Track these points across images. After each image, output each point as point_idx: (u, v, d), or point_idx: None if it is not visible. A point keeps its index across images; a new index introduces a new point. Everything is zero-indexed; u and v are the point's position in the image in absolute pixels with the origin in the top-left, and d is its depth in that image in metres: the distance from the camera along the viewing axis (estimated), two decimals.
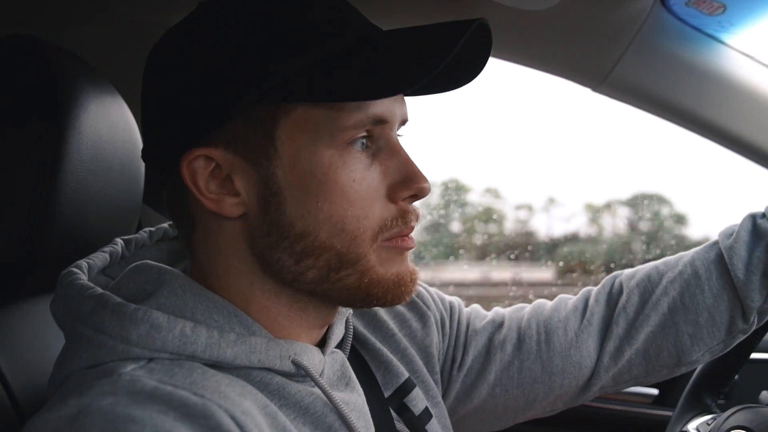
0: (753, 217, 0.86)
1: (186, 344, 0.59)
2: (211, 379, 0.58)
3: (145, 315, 0.59)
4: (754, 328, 0.87)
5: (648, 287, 0.89)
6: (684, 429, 1.00)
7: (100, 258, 0.70)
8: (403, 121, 0.68)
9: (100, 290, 0.62)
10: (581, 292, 0.94)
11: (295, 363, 0.64)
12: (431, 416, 0.81)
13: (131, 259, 0.71)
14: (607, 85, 1.16)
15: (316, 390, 0.66)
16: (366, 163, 0.63)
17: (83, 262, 0.68)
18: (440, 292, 0.95)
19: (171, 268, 0.65)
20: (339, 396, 0.66)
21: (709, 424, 0.96)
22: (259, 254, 0.64)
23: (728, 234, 0.88)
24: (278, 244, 0.63)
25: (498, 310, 0.95)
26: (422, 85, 0.64)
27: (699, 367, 1.03)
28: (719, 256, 0.87)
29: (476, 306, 0.97)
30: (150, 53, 0.67)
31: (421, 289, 0.92)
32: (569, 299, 0.94)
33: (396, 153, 0.65)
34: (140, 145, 0.86)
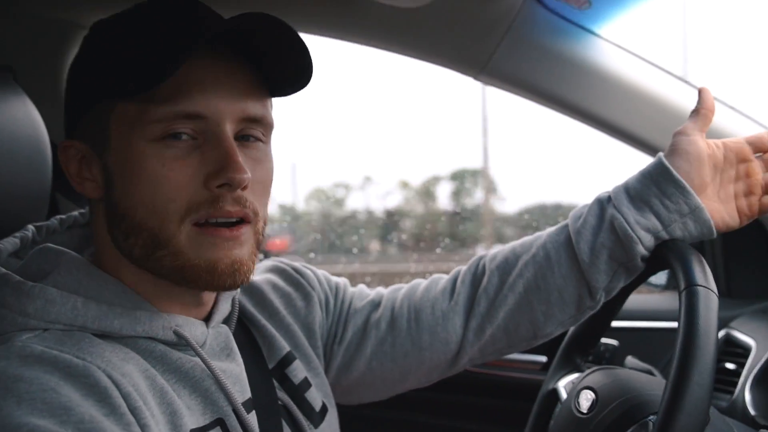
0: (600, 201, 0.92)
1: (77, 316, 0.69)
2: (97, 347, 0.67)
3: (41, 291, 0.69)
4: (601, 304, 0.94)
5: (506, 269, 0.97)
6: (556, 386, 1.08)
7: (11, 242, 0.79)
8: (249, 119, 0.73)
9: (3, 270, 0.71)
10: (452, 272, 1.03)
11: (176, 333, 0.73)
12: (310, 385, 0.90)
13: (42, 244, 0.78)
14: (486, 74, 1.24)
15: (196, 358, 0.75)
16: (182, 152, 0.70)
17: None
18: (328, 275, 1.04)
19: (68, 251, 0.75)
20: (218, 365, 0.76)
21: (573, 383, 1.05)
22: (110, 232, 0.74)
23: (577, 217, 0.94)
24: (114, 223, 0.74)
25: (379, 290, 1.05)
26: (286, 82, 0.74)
27: (570, 331, 1.11)
28: (568, 239, 0.94)
29: (362, 286, 1.07)
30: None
31: (308, 271, 1.01)
32: (441, 279, 1.03)
33: (218, 146, 0.70)
34: (46, 138, 0.93)
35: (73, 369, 0.62)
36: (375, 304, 1.02)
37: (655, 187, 0.88)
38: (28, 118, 0.90)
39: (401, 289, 1.03)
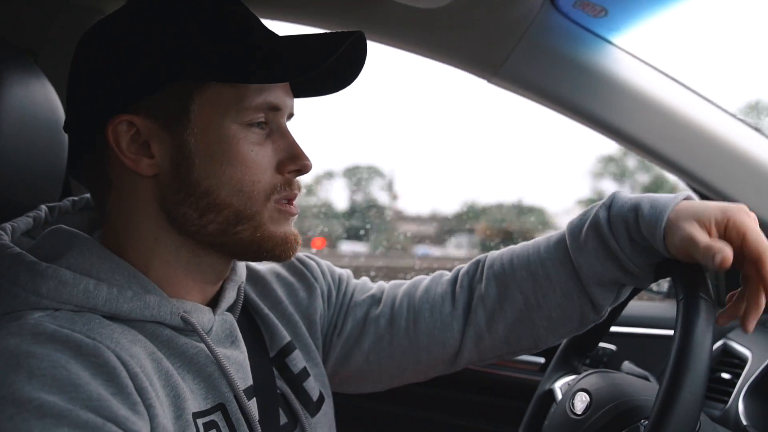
0: (598, 228, 0.87)
1: (88, 298, 0.71)
2: (107, 328, 0.69)
3: (54, 272, 0.70)
4: (605, 318, 0.93)
5: (503, 281, 0.96)
6: (551, 387, 1.10)
7: (24, 222, 0.80)
8: (291, 114, 0.83)
9: (18, 250, 0.73)
10: (453, 272, 1.03)
11: (183, 319, 0.76)
12: (309, 375, 0.92)
13: (54, 224, 0.80)
14: (500, 77, 1.26)
15: (202, 344, 0.77)
16: (261, 139, 0.77)
17: (8, 225, 0.78)
18: (331, 266, 1.06)
19: (82, 233, 0.76)
20: (222, 351, 0.78)
21: (569, 384, 1.06)
22: (168, 209, 0.76)
23: (575, 235, 0.90)
24: (185, 200, 0.75)
25: (381, 285, 1.06)
26: (310, 86, 0.84)
27: None
28: (568, 259, 0.91)
29: (365, 278, 1.08)
30: (87, 32, 0.79)
31: (312, 262, 1.03)
32: (442, 278, 1.03)
33: (285, 136, 0.80)
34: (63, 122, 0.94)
35: (83, 348, 0.64)
36: (376, 299, 1.03)
37: (651, 238, 0.83)
38: (47, 101, 0.92)
39: (402, 285, 1.04)
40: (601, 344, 1.51)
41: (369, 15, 1.18)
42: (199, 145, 0.74)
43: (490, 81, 1.28)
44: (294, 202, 0.81)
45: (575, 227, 0.91)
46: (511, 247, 1.00)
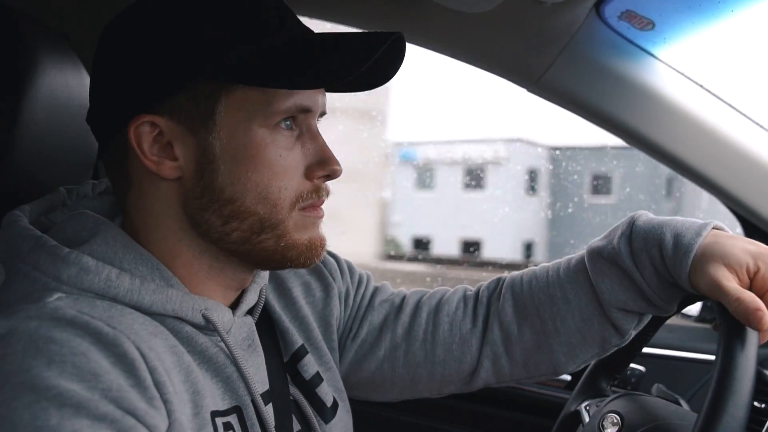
0: (619, 257, 0.84)
1: (110, 287, 0.68)
2: (128, 317, 0.67)
3: (76, 258, 0.68)
4: (629, 342, 0.90)
5: (521, 301, 0.94)
6: (578, 408, 1.07)
7: (42, 204, 0.78)
8: (323, 113, 0.79)
9: (39, 232, 0.70)
10: (475, 288, 1.01)
11: (204, 317, 0.73)
12: (322, 380, 0.90)
13: (73, 208, 0.79)
14: (540, 86, 1.23)
15: (221, 344, 0.75)
16: (290, 143, 0.73)
17: (26, 206, 0.76)
18: (352, 264, 1.03)
19: (107, 220, 0.74)
20: (240, 354, 0.75)
21: (597, 406, 1.04)
22: (191, 214, 0.73)
23: (595, 260, 0.88)
24: (209, 206, 0.72)
25: (402, 291, 1.03)
26: (344, 84, 0.76)
27: None
28: (589, 283, 0.88)
29: (386, 283, 1.05)
30: (110, 24, 0.75)
31: (331, 259, 1.00)
32: (465, 293, 1.00)
33: (315, 138, 0.76)
34: None
35: (103, 336, 0.61)
36: (395, 306, 1.00)
37: (675, 270, 0.80)
38: (81, 84, 0.91)
39: (424, 295, 1.02)
40: (631, 365, 1.48)
41: (410, 16, 1.17)
42: (225, 149, 0.71)
43: (530, 90, 1.26)
44: (321, 205, 0.78)
45: (596, 252, 0.88)
46: (532, 268, 0.97)
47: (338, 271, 0.99)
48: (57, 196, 0.80)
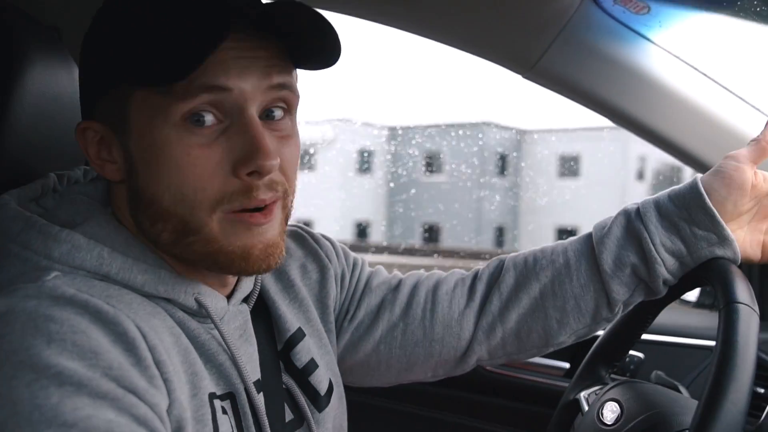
0: (627, 213, 0.91)
1: (102, 265, 0.68)
2: (125, 297, 0.67)
3: (68, 236, 0.68)
4: (618, 316, 0.94)
5: (523, 271, 0.96)
6: (577, 396, 1.07)
7: (32, 188, 0.77)
8: (274, 86, 0.70)
9: (28, 213, 0.70)
10: (473, 270, 1.02)
11: (197, 301, 0.73)
12: (317, 366, 0.88)
13: (64, 193, 0.78)
14: (536, 72, 1.22)
15: (214, 332, 0.75)
16: (207, 139, 0.68)
17: (14, 191, 0.76)
18: (347, 248, 1.02)
19: (100, 206, 0.74)
20: (233, 342, 0.75)
21: (597, 394, 1.03)
22: (132, 214, 0.73)
23: (601, 227, 0.93)
24: (138, 207, 0.72)
25: (397, 274, 1.03)
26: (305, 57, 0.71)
27: (596, 341, 1.10)
28: (591, 249, 0.92)
29: (380, 267, 1.05)
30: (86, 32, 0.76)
31: (326, 242, 0.99)
32: (462, 274, 1.01)
33: (245, 130, 0.68)
34: None
35: (103, 315, 0.61)
36: (392, 287, 1.00)
37: (686, 211, 0.86)
38: (71, 78, 0.90)
39: (421, 276, 1.02)
40: (630, 352, 1.47)
41: (403, 3, 1.16)
42: (138, 151, 0.70)
43: (525, 76, 1.24)
44: (265, 210, 0.70)
45: (602, 222, 0.94)
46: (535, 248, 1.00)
47: (334, 254, 0.98)
48: (47, 182, 0.79)
